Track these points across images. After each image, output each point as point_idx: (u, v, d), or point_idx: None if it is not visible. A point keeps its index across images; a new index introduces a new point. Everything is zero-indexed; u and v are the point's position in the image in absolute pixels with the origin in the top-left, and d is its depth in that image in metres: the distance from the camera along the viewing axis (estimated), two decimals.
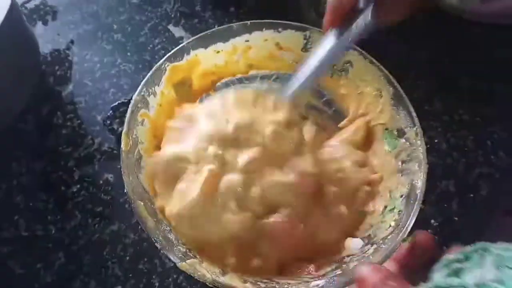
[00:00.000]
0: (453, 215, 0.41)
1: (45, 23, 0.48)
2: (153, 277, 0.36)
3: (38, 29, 0.47)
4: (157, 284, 0.36)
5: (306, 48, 0.38)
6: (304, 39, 0.38)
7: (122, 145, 0.31)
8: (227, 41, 0.38)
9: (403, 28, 0.44)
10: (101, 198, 0.39)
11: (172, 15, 0.49)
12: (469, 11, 0.48)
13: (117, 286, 0.35)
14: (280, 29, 0.38)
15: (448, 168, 0.43)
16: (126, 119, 0.32)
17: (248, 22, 0.38)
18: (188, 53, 0.37)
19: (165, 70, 0.35)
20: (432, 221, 0.40)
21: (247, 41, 0.38)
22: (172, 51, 0.36)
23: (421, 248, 0.31)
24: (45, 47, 0.46)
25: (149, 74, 0.34)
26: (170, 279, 0.36)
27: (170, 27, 0.48)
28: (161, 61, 0.35)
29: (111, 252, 0.37)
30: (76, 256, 0.37)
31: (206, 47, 0.37)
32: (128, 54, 0.46)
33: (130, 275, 0.36)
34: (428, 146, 0.43)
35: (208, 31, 0.37)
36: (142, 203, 0.30)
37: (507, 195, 0.41)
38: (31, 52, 0.43)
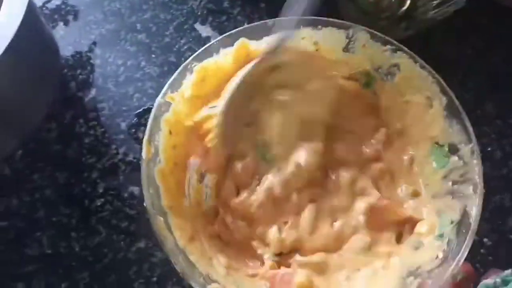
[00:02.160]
0: (508, 233, 0.37)
1: (66, 23, 0.46)
2: None
3: (59, 30, 0.45)
4: None
5: (347, 48, 0.35)
6: (347, 38, 0.34)
7: (143, 153, 0.29)
8: (260, 39, 0.34)
9: (449, 20, 0.40)
10: (126, 212, 0.37)
11: (199, 13, 0.46)
12: None
13: None
14: (319, 27, 0.34)
15: (503, 180, 0.39)
16: (148, 125, 0.30)
17: (283, 19, 0.34)
18: (217, 52, 0.33)
19: (192, 70, 0.33)
20: (485, 240, 0.37)
21: None
22: (200, 50, 0.33)
23: (465, 281, 0.28)
24: (66, 50, 0.44)
25: (174, 74, 0.32)
26: None
27: (197, 25, 0.45)
28: (188, 60, 0.32)
29: (137, 272, 0.35)
30: (101, 275, 0.35)
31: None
32: (153, 56, 0.44)
33: None
34: (481, 154, 0.39)
35: (239, 28, 0.34)
36: (162, 219, 0.28)
37: None
38: (52, 56, 0.41)
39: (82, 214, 0.37)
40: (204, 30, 0.45)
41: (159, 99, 0.31)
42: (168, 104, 0.31)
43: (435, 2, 0.38)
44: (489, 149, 0.40)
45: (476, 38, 0.44)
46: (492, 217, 0.37)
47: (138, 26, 0.45)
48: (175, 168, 0.31)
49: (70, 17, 0.46)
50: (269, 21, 0.34)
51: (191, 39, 0.45)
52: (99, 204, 0.37)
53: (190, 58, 0.32)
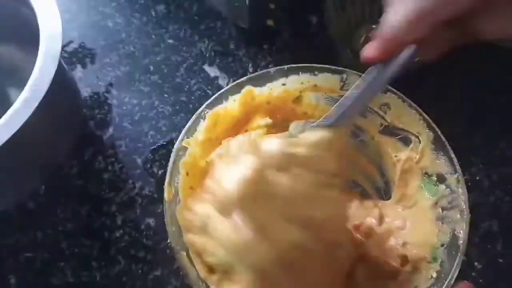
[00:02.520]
0: (497, 257, 0.40)
1: (84, 66, 0.49)
2: None
3: (78, 73, 0.49)
4: None
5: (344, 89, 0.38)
6: (341, 81, 0.38)
7: (165, 195, 0.32)
8: (264, 85, 0.38)
9: (438, 60, 0.44)
10: (143, 243, 0.40)
11: (207, 55, 0.50)
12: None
13: None
14: (316, 72, 0.38)
15: (491, 206, 0.42)
16: (168, 169, 0.33)
17: (285, 66, 0.38)
18: (227, 99, 0.37)
19: (205, 117, 0.36)
20: (476, 263, 0.40)
21: (284, 84, 0.38)
22: (211, 98, 0.36)
23: None
24: (84, 91, 0.47)
25: (189, 122, 0.35)
26: None
27: (205, 67, 0.49)
28: (201, 108, 0.36)
29: None
30: None
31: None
32: (165, 95, 0.47)
33: None
34: (470, 184, 0.43)
35: (244, 78, 0.37)
36: (185, 253, 0.31)
37: None
38: (73, 99, 0.44)
39: (102, 245, 0.40)
40: (212, 71, 0.49)
41: (177, 145, 0.34)
42: (185, 149, 0.34)
43: None
44: (477, 178, 0.43)
45: (464, 74, 0.48)
46: (481, 242, 0.40)
47: (151, 67, 0.49)
48: None
49: (88, 60, 0.50)
50: (272, 70, 0.37)
51: (200, 80, 0.48)
52: (118, 235, 0.40)
53: (203, 106, 0.35)
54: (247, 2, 0.42)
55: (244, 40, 0.50)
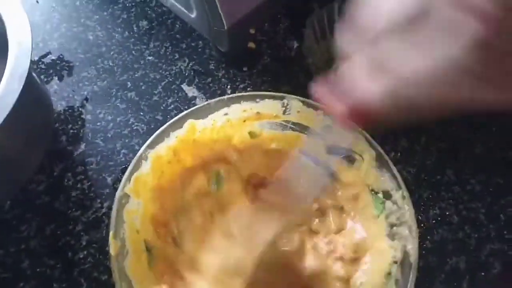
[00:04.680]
0: None
1: (60, 78, 0.49)
2: None
3: (54, 85, 0.48)
4: None
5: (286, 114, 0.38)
6: (282, 106, 0.38)
7: (111, 250, 0.30)
8: (206, 117, 0.38)
9: None
10: (107, 266, 0.39)
11: (186, 73, 0.49)
12: None
13: None
14: (258, 100, 0.38)
15: (459, 243, 0.42)
16: (112, 220, 0.31)
17: (225, 97, 0.38)
18: (168, 136, 0.36)
19: (147, 158, 0.35)
20: None
21: (226, 114, 0.38)
22: (151, 138, 0.36)
23: None
24: (59, 104, 0.47)
25: (129, 167, 0.34)
26: None
27: (184, 86, 0.49)
28: (142, 149, 0.35)
29: None
30: None
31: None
32: (141, 113, 0.47)
33: None
34: (439, 218, 0.43)
35: (182, 114, 0.37)
36: None
37: None
38: (45, 112, 0.44)
39: (65, 265, 0.39)
40: (190, 91, 0.48)
41: (118, 193, 0.32)
42: (128, 196, 0.33)
43: None
44: (447, 213, 0.43)
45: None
46: (448, 278, 0.40)
47: (129, 84, 0.49)
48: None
49: (65, 73, 0.49)
50: (212, 102, 0.37)
51: (177, 99, 0.48)
52: (81, 256, 0.39)
53: (144, 145, 0.35)
54: (225, 27, 0.41)
55: (224, 61, 0.50)
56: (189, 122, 0.36)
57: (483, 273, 0.41)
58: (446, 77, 0.20)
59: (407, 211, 0.34)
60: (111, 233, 0.31)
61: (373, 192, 0.37)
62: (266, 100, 0.37)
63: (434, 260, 0.41)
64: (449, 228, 0.43)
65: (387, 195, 0.36)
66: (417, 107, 0.22)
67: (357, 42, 0.23)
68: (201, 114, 0.37)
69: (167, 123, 0.36)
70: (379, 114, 0.23)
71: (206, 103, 0.37)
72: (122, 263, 0.30)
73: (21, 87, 0.32)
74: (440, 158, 0.46)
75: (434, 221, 0.42)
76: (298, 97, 0.37)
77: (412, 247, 0.33)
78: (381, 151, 0.35)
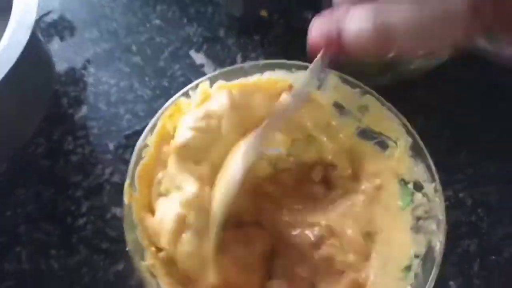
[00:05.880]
0: (473, 277, 0.39)
1: (62, 38, 0.46)
2: None
3: (54, 44, 0.46)
4: None
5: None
6: (318, 80, 0.35)
7: (125, 198, 0.30)
8: (236, 80, 0.35)
9: (432, 72, 0.43)
10: (107, 233, 0.38)
11: (194, 40, 0.47)
12: (503, 56, 0.46)
13: None
14: (293, 70, 0.35)
15: (472, 225, 0.41)
16: (129, 168, 0.31)
17: (260, 62, 0.35)
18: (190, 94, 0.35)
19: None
20: (451, 282, 0.39)
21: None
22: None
23: None
24: (60, 65, 0.44)
25: (152, 121, 0.33)
26: None
27: (192, 52, 0.46)
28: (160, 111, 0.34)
29: None
30: None
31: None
32: (146, 79, 0.45)
33: None
34: (453, 200, 0.42)
35: (213, 73, 0.35)
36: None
37: None
38: (46, 72, 0.41)
39: (63, 232, 0.37)
40: (198, 58, 0.46)
41: (139, 143, 0.32)
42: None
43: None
44: (460, 195, 0.42)
45: (456, 89, 0.47)
46: (459, 261, 0.39)
47: (134, 47, 0.46)
48: None
49: (67, 33, 0.47)
50: (245, 65, 0.35)
51: (185, 66, 0.46)
52: (81, 223, 0.38)
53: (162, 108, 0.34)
54: None
55: (235, 29, 0.48)
56: (219, 83, 0.34)
57: (494, 257, 0.40)
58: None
59: (439, 205, 0.31)
60: (127, 182, 0.31)
61: (402, 182, 0.34)
62: (302, 70, 0.34)
63: (446, 242, 0.39)
64: (462, 211, 0.41)
65: (418, 187, 0.33)
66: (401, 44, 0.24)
67: None
68: (232, 76, 0.34)
69: (200, 79, 0.34)
70: (359, 46, 0.25)
71: (239, 65, 0.35)
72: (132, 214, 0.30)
73: (27, 39, 0.30)
74: (454, 140, 0.44)
75: (447, 203, 0.41)
76: (338, 73, 0.34)
77: (439, 242, 0.31)
78: (418, 139, 0.33)
